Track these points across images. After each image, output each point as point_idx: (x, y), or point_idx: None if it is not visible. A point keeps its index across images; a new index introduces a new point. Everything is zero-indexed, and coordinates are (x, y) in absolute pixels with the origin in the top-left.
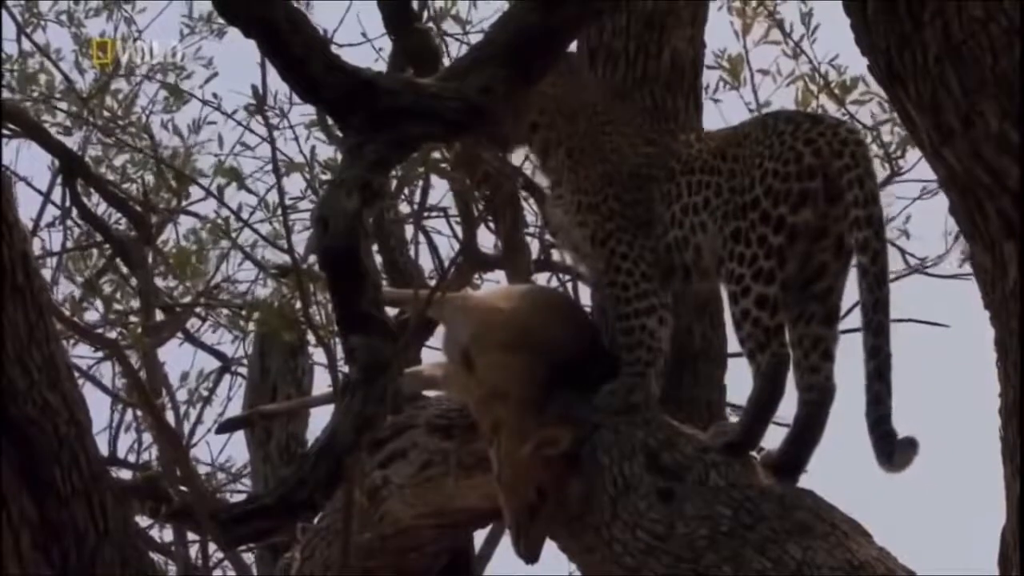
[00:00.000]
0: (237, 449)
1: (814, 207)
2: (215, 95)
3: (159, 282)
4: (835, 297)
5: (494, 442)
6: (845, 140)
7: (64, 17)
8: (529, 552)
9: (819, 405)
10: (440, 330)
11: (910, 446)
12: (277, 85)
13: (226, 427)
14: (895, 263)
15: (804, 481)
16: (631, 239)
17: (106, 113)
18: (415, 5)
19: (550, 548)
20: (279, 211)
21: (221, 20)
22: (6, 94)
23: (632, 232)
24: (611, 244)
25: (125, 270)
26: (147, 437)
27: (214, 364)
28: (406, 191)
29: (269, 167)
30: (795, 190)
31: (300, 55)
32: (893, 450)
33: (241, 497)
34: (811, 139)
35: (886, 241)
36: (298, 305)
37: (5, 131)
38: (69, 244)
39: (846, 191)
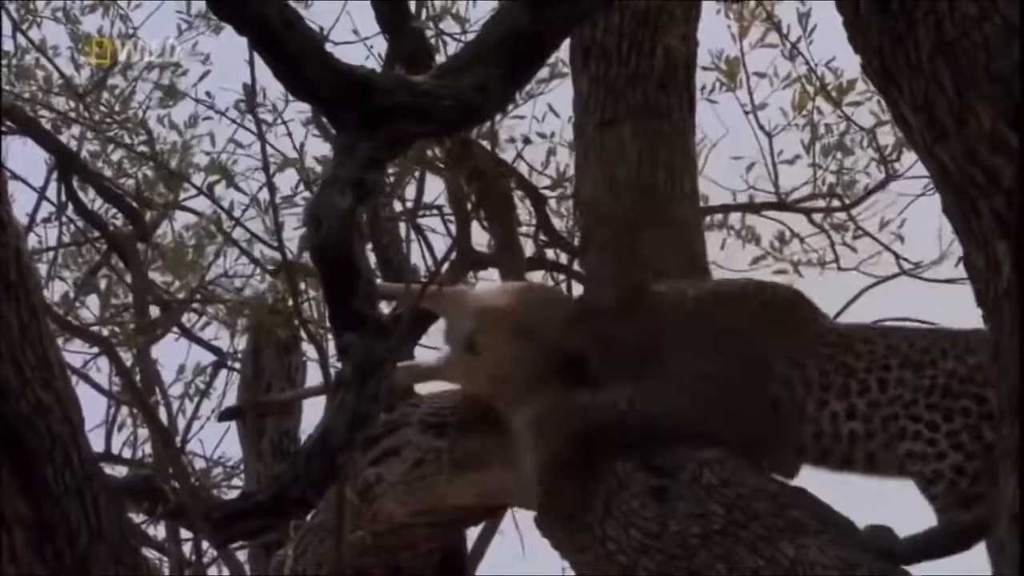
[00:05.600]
0: (231, 446)
1: None
2: (208, 94)
3: (155, 277)
4: None
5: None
6: None
7: (60, 14)
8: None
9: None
10: (435, 326)
11: None
12: (269, 81)
13: (227, 415)
14: (889, 267)
15: (798, 479)
16: None
17: (102, 109)
18: (412, 4)
19: (542, 546)
20: (271, 208)
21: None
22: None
23: None
24: None
25: (120, 266)
26: (142, 433)
27: (210, 358)
28: (400, 189)
29: (262, 164)
30: None
31: (294, 54)
32: None
33: (234, 494)
34: None
35: None
36: (291, 302)
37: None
38: (65, 240)
39: None
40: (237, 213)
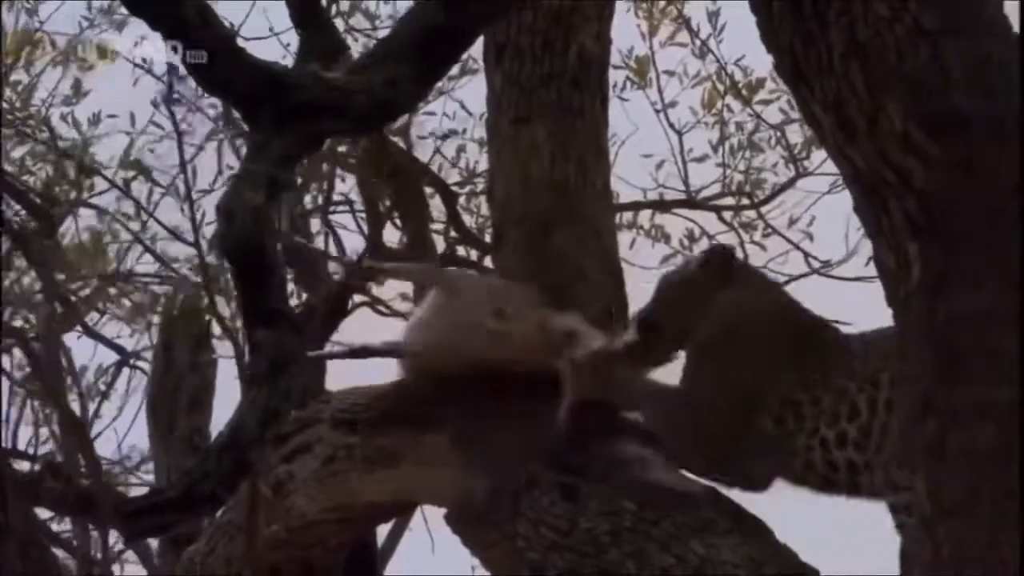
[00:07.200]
0: (139, 438)
1: None
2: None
3: (58, 275)
4: None
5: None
6: None
7: None
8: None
9: None
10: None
11: None
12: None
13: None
14: (798, 265)
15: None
16: None
17: (4, 105)
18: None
19: (452, 543)
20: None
21: (122, 12)
22: None
23: None
24: None
25: (25, 263)
26: (45, 431)
27: (113, 358)
28: (313, 185)
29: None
30: None
31: (209, 50)
32: None
33: (142, 489)
34: None
35: None
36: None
37: None
38: None
39: None
40: (152, 205)
